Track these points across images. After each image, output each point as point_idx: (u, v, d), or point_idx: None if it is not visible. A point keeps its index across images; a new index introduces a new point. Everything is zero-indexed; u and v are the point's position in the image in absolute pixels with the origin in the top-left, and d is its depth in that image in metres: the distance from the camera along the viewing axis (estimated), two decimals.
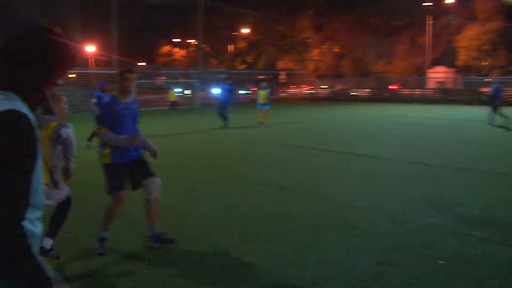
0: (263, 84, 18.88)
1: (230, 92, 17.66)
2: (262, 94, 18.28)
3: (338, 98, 44.62)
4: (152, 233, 4.77)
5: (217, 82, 39.60)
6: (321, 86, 52.62)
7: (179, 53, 67.75)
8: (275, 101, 23.83)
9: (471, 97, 34.11)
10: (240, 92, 37.34)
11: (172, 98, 26.60)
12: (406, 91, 43.19)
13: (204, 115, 23.84)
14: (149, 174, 4.71)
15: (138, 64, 60.43)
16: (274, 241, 4.97)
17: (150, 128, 16.49)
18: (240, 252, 4.64)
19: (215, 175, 8.56)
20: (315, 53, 62.07)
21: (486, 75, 52.41)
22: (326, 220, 5.68)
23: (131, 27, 50.18)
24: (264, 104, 18.10)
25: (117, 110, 4.61)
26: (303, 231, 5.28)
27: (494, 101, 17.25)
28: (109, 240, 4.70)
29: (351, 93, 45.66)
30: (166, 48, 67.68)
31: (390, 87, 47.17)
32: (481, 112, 21.74)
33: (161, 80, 42.48)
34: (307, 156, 10.70)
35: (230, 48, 61.08)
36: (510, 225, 5.46)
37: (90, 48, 47.91)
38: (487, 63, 60.16)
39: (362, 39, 59.70)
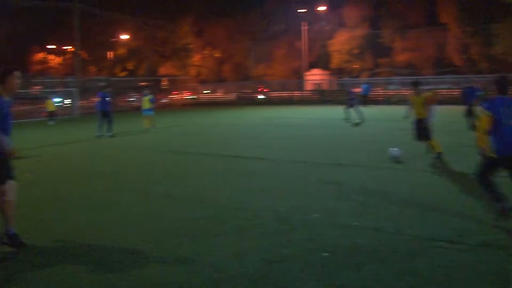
0: (146, 91, 19.68)
1: (106, 100, 17.20)
2: (145, 100, 19.08)
3: (219, 103, 45.24)
4: (6, 232, 4.88)
5: (97, 91, 38.00)
6: (204, 91, 52.94)
7: (54, 60, 63.67)
8: (158, 108, 23.66)
9: (345, 98, 36.58)
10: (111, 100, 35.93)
11: (50, 108, 25.26)
12: (286, 94, 45.00)
13: (84, 125, 22.78)
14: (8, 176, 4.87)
15: None
16: (163, 248, 4.84)
17: (24, 141, 15.31)
18: (129, 262, 4.45)
19: (99, 184, 8.14)
20: (196, 58, 62.28)
21: (357, 77, 56.46)
22: (214, 224, 5.67)
23: None
24: (148, 110, 18.94)
25: (1, 108, 4.73)
26: (192, 236, 5.22)
27: (351, 100, 19.27)
28: None
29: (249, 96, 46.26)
30: (40, 56, 63.18)
31: (259, 90, 49.20)
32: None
33: (36, 89, 39.68)
34: (193, 161, 10.62)
35: (110, 54, 58.96)
36: (383, 214, 5.89)
37: None
38: (357, 66, 64.85)
39: (242, 44, 61.32)
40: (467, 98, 15.11)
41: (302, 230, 5.32)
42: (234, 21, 62.55)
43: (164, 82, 50.37)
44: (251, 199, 6.84)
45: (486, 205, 6.03)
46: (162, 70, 57.39)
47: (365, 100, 31.96)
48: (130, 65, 57.04)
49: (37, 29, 55.22)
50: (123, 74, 55.93)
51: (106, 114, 16.89)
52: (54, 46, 62.83)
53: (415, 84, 9.96)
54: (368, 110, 25.77)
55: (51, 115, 24.96)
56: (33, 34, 56.31)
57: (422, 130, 9.48)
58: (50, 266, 4.45)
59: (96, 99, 18.40)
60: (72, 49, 59.05)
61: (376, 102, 36.45)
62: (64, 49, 61.99)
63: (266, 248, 4.76)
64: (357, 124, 18.20)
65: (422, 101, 9.50)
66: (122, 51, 56.35)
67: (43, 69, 60.78)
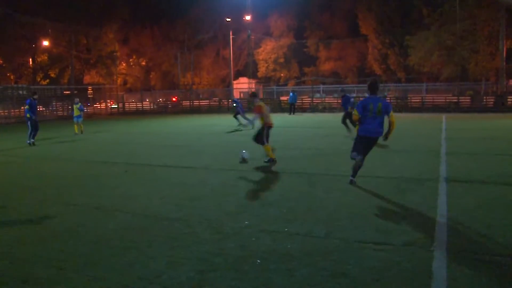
0: (76, 99, 21.99)
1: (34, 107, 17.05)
2: (76, 108, 21.14)
3: (147, 112, 44.57)
4: None
5: (16, 99, 36.14)
6: (132, 100, 51.82)
7: None
8: (84, 117, 23.01)
9: (272, 105, 37.16)
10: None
11: None
12: (214, 102, 45.04)
13: (3, 134, 21.54)
14: None
15: None
16: (94, 263, 4.64)
17: None
18: (55, 278, 4.21)
19: (26, 198, 7.67)
20: (122, 66, 60.76)
21: (284, 85, 57.62)
22: (146, 235, 5.52)
23: None
24: (78, 117, 20.95)
25: None
26: (124, 248, 5.04)
27: (238, 108, 22.33)
28: None
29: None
30: None
31: (172, 99, 49.39)
32: (296, 118, 23.77)
33: None
34: (120, 171, 10.30)
35: (30, 61, 55.93)
36: (312, 219, 6.01)
37: None
38: (283, 74, 66.22)
39: (169, 52, 60.53)
40: (344, 104, 16.70)
41: (234, 237, 5.31)
42: (160, 28, 61.76)
43: (90, 91, 48.58)
44: (181, 208, 6.74)
45: (405, 205, 6.35)
46: (87, 79, 55.42)
47: (293, 107, 32.72)
48: (52, 73, 54.48)
49: None
50: (45, 82, 53.33)
51: (34, 121, 16.57)
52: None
53: (252, 95, 11.68)
54: (295, 118, 26.33)
55: None
56: None
57: (259, 135, 10.62)
58: None
59: (24, 107, 18.81)
60: None
61: (303, 110, 37.42)
62: None
63: (199, 257, 4.70)
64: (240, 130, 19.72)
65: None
66: (43, 57, 53.73)
67: None
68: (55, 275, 4.37)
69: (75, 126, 20.98)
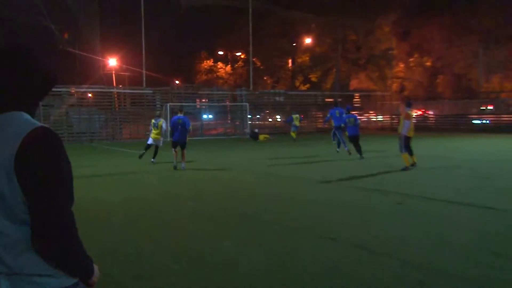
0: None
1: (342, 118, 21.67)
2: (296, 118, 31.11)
3: (431, 127, 44.01)
4: None
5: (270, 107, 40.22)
6: (416, 112, 51.75)
7: (223, 69, 68.16)
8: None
9: None
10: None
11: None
12: None
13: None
14: None
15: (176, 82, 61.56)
16: None
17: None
18: None
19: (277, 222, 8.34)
20: (399, 68, 60.87)
21: None
22: None
23: (163, 37, 51.49)
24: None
25: None
26: None
27: None
28: None
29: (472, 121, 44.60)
30: (208, 63, 68.05)
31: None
32: None
33: (200, 102, 43.35)
34: (392, 201, 10.29)
35: (288, 63, 61.18)
36: None
37: (112, 61, 50.21)
38: None
39: (466, 48, 57.45)
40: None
41: None
42: (454, 17, 59.23)
43: (357, 99, 50.67)
44: (479, 264, 6.30)
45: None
46: (354, 83, 57.73)
47: None
48: (313, 76, 58.40)
49: (205, 32, 60.21)
50: (304, 87, 57.57)
51: (353, 137, 20.06)
52: (222, 52, 67.70)
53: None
54: None
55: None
56: (201, 38, 61.23)
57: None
58: None
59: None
60: (243, 56, 63.23)
61: None
62: (234, 55, 66.29)
63: None
64: None
65: None
66: (304, 58, 58.16)
67: (210, 79, 65.67)
68: None
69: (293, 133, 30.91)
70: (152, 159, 19.06)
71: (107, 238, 7.90)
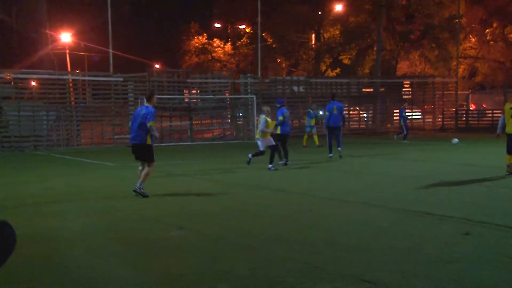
0: (313, 105, 30.56)
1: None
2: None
3: None
4: None
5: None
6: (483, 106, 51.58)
7: (220, 48, 67.38)
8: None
9: None
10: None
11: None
12: None
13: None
14: None
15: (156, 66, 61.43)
16: None
17: None
18: None
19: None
20: (470, 44, 59.75)
21: None
22: None
23: (137, 3, 51.59)
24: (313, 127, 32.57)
25: None
26: None
27: None
28: None
29: None
30: (200, 40, 67.23)
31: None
32: None
33: (190, 94, 43.46)
34: (456, 232, 10.37)
35: (311, 39, 60.68)
36: None
37: (65, 37, 50.33)
38: None
39: None
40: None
41: None
42: None
43: (406, 87, 50.49)
44: None
45: None
46: (403, 67, 57.28)
47: None
48: (346, 57, 57.97)
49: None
50: (334, 72, 57.23)
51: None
52: (219, 25, 67.18)
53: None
54: None
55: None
56: (190, 5, 60.95)
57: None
58: None
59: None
60: (249, 30, 62.98)
61: None
62: (236, 29, 65.72)
63: None
64: None
65: None
66: (333, 32, 57.75)
67: (201, 63, 65.12)
68: None
69: (315, 137, 31.05)
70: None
71: (58, 280, 8.01)
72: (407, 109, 44.86)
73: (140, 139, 15.59)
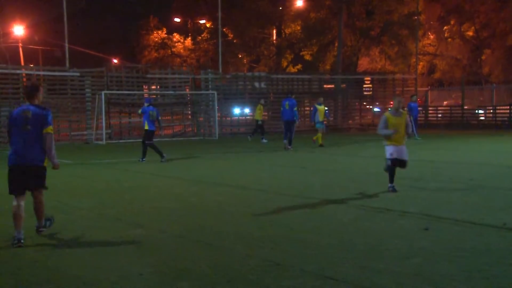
0: (320, 98, 29.55)
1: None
2: (321, 109, 30.09)
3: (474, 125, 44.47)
4: None
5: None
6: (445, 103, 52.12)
7: (180, 43, 67.13)
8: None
9: None
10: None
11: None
12: None
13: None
14: None
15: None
16: None
17: None
18: None
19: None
20: (428, 41, 60.52)
21: None
22: None
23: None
24: (319, 123, 30.00)
25: None
26: None
27: None
28: None
29: None
30: (159, 35, 66.92)
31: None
32: None
33: (149, 89, 43.30)
34: (414, 227, 10.54)
35: (273, 34, 60.90)
36: None
37: (18, 30, 49.66)
38: None
39: None
40: None
41: None
42: None
43: (367, 84, 50.83)
44: None
45: None
46: (363, 63, 57.67)
47: None
48: (307, 53, 58.18)
49: None
50: (295, 68, 57.52)
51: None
52: (179, 20, 67.04)
53: None
54: None
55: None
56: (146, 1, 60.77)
57: None
58: None
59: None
60: (210, 25, 62.99)
61: None
62: (197, 24, 65.59)
63: None
64: None
65: None
66: (294, 28, 58.01)
67: (161, 58, 64.96)
68: None
69: (320, 134, 30.37)
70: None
71: (9, 281, 7.99)
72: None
73: (37, 160, 10.20)
